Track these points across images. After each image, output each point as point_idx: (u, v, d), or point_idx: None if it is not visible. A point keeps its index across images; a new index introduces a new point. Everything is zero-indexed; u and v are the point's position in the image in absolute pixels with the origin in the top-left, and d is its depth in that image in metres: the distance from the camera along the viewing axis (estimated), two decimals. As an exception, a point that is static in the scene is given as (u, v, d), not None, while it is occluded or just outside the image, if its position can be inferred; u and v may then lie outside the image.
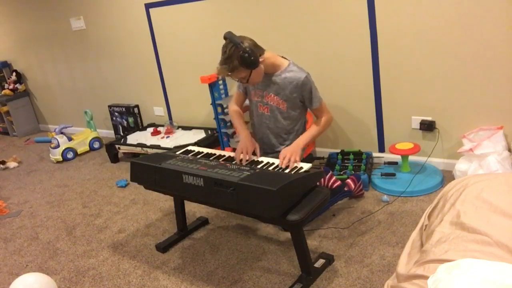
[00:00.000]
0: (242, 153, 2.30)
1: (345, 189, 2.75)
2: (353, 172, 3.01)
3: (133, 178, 2.43)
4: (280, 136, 2.51)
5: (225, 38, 2.20)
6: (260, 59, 2.23)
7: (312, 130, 2.35)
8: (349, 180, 2.80)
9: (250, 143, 2.34)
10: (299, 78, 2.29)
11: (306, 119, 2.60)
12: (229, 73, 2.21)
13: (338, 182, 2.71)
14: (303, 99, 2.34)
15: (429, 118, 3.00)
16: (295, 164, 2.18)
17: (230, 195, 1.95)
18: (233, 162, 2.29)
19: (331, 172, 2.75)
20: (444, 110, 2.93)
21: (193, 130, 4.15)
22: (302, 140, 2.33)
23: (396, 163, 3.13)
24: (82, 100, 5.24)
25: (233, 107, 2.61)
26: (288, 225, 2.05)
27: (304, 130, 2.55)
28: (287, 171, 2.12)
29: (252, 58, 2.16)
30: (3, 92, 5.78)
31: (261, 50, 2.27)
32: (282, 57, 2.44)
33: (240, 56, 2.14)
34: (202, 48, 3.88)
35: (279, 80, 2.34)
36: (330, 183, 2.69)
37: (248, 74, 2.23)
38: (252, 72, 2.23)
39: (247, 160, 2.28)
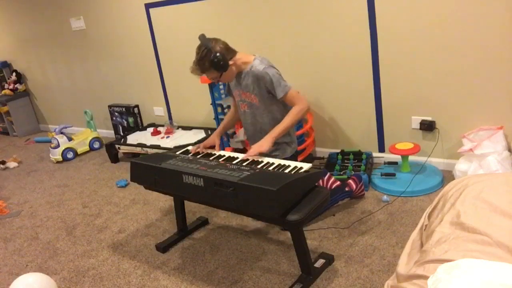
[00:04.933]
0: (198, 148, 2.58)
1: (346, 189, 2.75)
2: (353, 172, 3.01)
3: (133, 178, 2.43)
4: (266, 133, 2.46)
5: (199, 39, 2.32)
6: (231, 62, 2.34)
7: (284, 121, 2.38)
8: (350, 181, 2.80)
9: (209, 140, 2.60)
10: (258, 70, 2.35)
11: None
12: (201, 74, 2.36)
13: (338, 183, 2.71)
14: (267, 90, 2.38)
15: (429, 118, 3.00)
16: (295, 164, 2.17)
17: (230, 195, 1.94)
18: (233, 162, 2.29)
19: (329, 173, 2.75)
20: (444, 110, 2.93)
21: (193, 130, 4.15)
22: (273, 133, 2.36)
23: (396, 163, 3.13)
24: (82, 100, 5.24)
25: (231, 109, 2.77)
26: (288, 225, 2.05)
27: (289, 132, 2.53)
28: (287, 170, 2.11)
29: (221, 62, 2.28)
30: (3, 92, 5.79)
31: (232, 53, 2.37)
32: (253, 55, 2.50)
33: (211, 60, 2.26)
34: (202, 48, 3.88)
35: (247, 76, 2.41)
36: (329, 184, 2.69)
37: (218, 75, 2.36)
38: (223, 74, 2.35)
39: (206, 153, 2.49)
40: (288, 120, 2.35)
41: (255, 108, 2.47)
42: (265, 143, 2.32)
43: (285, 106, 2.46)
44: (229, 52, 2.35)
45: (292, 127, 2.43)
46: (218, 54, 2.26)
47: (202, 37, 2.32)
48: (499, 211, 1.29)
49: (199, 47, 2.31)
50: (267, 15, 3.40)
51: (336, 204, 2.77)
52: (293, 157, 2.52)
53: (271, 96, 2.40)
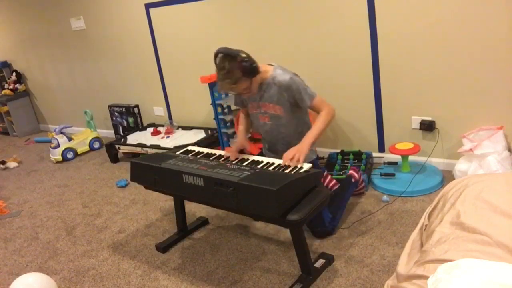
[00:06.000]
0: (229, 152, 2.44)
1: (352, 180, 2.77)
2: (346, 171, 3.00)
3: (133, 178, 2.43)
4: (290, 144, 2.39)
5: (217, 53, 2.20)
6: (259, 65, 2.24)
7: (316, 126, 2.30)
8: (351, 171, 2.81)
9: (238, 144, 2.45)
10: (284, 79, 2.28)
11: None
12: (233, 86, 2.19)
13: (337, 185, 2.71)
14: (294, 99, 2.31)
15: (429, 118, 3.00)
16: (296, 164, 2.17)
17: (230, 195, 1.95)
18: (233, 162, 2.29)
19: (326, 172, 2.74)
20: (444, 110, 2.93)
21: (193, 130, 4.15)
22: (310, 137, 2.27)
23: (396, 163, 3.13)
24: (82, 100, 5.24)
25: (240, 114, 2.66)
26: (288, 225, 2.05)
27: None
28: (287, 170, 2.12)
29: (253, 65, 2.18)
30: (3, 92, 5.78)
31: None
32: (270, 64, 2.43)
33: (242, 66, 2.15)
34: (202, 48, 3.88)
35: (268, 86, 2.33)
36: (329, 186, 2.69)
37: (249, 84, 2.24)
38: (253, 81, 2.24)
39: (237, 159, 2.37)
40: (320, 123, 2.29)
41: (279, 119, 2.39)
42: (304, 147, 2.22)
43: (306, 115, 2.44)
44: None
45: (324, 130, 2.34)
46: (246, 58, 2.16)
47: (223, 49, 2.19)
48: (499, 211, 1.29)
49: (221, 61, 2.17)
50: (267, 15, 3.40)
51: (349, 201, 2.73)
52: (315, 162, 2.44)
53: (295, 106, 2.34)
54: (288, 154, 2.22)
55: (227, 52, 2.17)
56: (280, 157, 2.28)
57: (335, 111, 2.37)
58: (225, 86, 2.21)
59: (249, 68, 2.17)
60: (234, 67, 2.14)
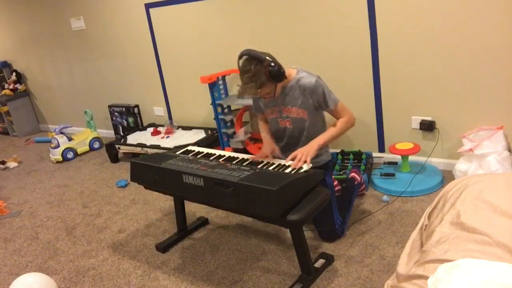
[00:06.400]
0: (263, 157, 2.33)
1: (355, 182, 2.77)
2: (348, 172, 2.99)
3: (133, 178, 2.43)
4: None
5: (242, 55, 2.13)
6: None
7: (331, 130, 2.28)
8: (353, 174, 2.81)
9: (268, 148, 2.35)
10: (310, 82, 2.22)
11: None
12: (258, 90, 2.13)
13: (339, 187, 2.70)
14: (318, 103, 2.27)
15: (429, 118, 3.00)
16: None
17: (230, 195, 1.94)
18: (233, 162, 2.29)
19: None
20: (444, 110, 2.93)
21: (193, 130, 4.15)
22: (320, 139, 2.24)
23: (396, 163, 3.13)
24: (82, 100, 5.24)
25: (260, 121, 2.58)
26: (288, 225, 2.05)
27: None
28: (287, 170, 2.12)
29: (281, 70, 2.12)
30: (3, 92, 5.78)
31: None
32: (293, 67, 2.37)
33: (269, 70, 2.09)
34: (202, 48, 3.88)
35: (293, 89, 2.27)
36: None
37: (273, 89, 2.18)
38: (277, 86, 2.19)
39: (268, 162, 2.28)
40: (335, 129, 2.27)
41: (302, 123, 2.33)
42: (312, 150, 2.18)
43: (324, 121, 2.42)
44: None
45: (338, 137, 2.32)
46: (272, 63, 2.09)
47: (247, 51, 2.11)
48: (499, 211, 1.29)
49: (247, 64, 2.11)
50: (267, 14, 3.40)
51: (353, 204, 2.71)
52: (326, 166, 2.40)
53: (317, 109, 2.30)
54: (295, 154, 2.17)
55: (253, 55, 2.10)
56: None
57: (355, 120, 2.32)
58: (248, 90, 2.13)
59: (276, 73, 2.10)
60: (261, 71, 2.08)
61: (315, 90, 2.23)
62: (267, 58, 2.11)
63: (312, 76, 2.25)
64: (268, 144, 2.39)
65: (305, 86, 2.24)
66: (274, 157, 2.33)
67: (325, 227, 2.42)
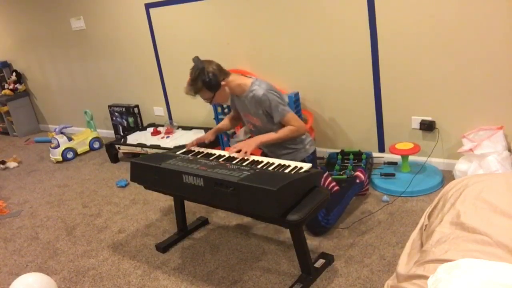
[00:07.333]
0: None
1: (357, 181, 2.77)
2: (353, 172, 3.00)
3: (133, 178, 2.43)
4: (274, 152, 2.59)
5: (193, 61, 2.40)
6: (223, 83, 2.41)
7: (274, 134, 2.46)
8: (358, 172, 2.82)
9: (204, 136, 2.67)
10: (258, 95, 2.41)
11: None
12: (194, 94, 2.42)
13: (337, 187, 2.70)
14: (268, 113, 2.45)
15: (429, 118, 3.00)
16: (295, 164, 2.17)
17: (230, 195, 1.95)
18: (233, 162, 2.29)
19: (327, 172, 2.74)
20: (444, 110, 2.93)
21: (193, 130, 4.15)
22: (263, 137, 2.46)
23: (396, 163, 3.13)
24: (82, 100, 5.24)
25: (226, 116, 2.86)
26: (288, 225, 2.05)
27: (303, 141, 2.59)
28: (287, 170, 2.11)
29: (213, 82, 2.36)
30: (3, 92, 5.78)
31: (225, 75, 2.44)
32: (248, 76, 2.57)
33: (203, 80, 2.34)
34: (202, 48, 3.88)
35: (246, 99, 2.48)
36: (329, 187, 2.68)
37: (211, 96, 2.42)
38: (216, 94, 2.42)
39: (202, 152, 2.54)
40: (277, 134, 2.45)
41: (260, 128, 2.55)
42: (253, 144, 2.41)
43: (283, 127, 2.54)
44: (222, 73, 2.43)
45: (279, 141, 2.49)
46: (210, 74, 2.35)
47: (196, 59, 2.40)
48: (499, 211, 1.29)
49: (192, 69, 2.39)
50: (267, 14, 3.40)
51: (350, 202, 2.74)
52: (308, 161, 2.56)
53: (271, 118, 2.48)
54: (236, 146, 2.41)
55: (197, 63, 2.38)
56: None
57: (304, 131, 2.52)
58: (188, 92, 2.42)
59: (210, 84, 2.36)
60: (198, 78, 2.36)
61: (262, 103, 2.42)
62: (207, 68, 2.36)
63: (261, 89, 2.42)
64: (209, 132, 2.70)
65: (255, 98, 2.44)
66: (198, 145, 2.64)
67: None
